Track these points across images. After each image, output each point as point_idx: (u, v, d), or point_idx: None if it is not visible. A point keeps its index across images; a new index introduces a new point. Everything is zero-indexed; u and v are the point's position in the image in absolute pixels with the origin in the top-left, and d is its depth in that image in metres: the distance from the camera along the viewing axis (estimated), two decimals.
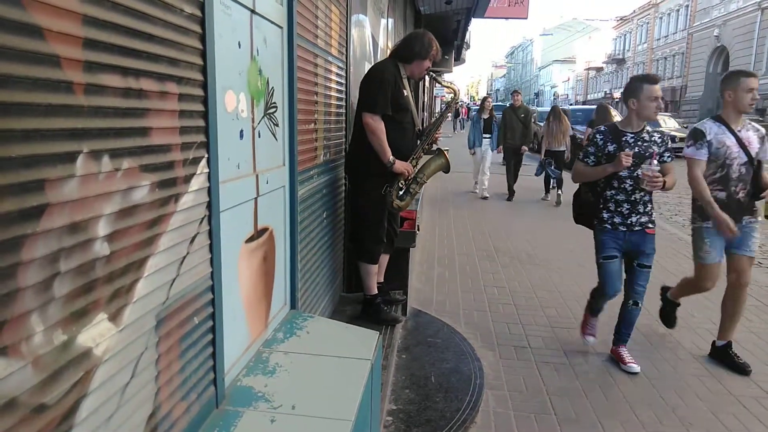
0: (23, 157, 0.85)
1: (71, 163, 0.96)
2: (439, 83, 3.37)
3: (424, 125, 3.49)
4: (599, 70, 56.78)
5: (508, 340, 3.57)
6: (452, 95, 3.59)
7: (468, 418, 2.61)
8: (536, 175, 8.83)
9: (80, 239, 0.99)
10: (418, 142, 3.20)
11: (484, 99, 9.53)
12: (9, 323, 0.84)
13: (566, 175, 6.93)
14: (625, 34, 49.58)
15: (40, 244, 0.89)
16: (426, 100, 16.85)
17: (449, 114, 3.57)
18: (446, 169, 3.23)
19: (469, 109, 36.55)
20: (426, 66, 3.09)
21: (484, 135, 8.91)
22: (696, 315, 4.00)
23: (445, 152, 3.23)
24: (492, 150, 8.93)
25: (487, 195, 8.95)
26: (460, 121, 33.05)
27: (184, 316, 1.39)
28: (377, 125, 2.88)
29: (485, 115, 8.97)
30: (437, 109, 38.04)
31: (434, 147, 3.43)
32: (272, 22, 2.05)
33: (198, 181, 1.43)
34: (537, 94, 75.28)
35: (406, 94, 3.02)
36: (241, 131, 1.79)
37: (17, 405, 0.86)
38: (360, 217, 3.20)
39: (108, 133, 1.05)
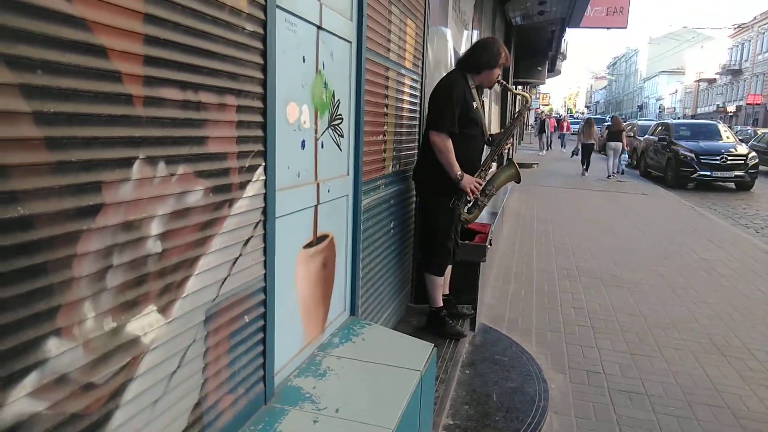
0: (82, 161, 0.96)
1: (127, 168, 1.06)
2: (510, 90, 3.30)
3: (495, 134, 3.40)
4: (711, 81, 52.70)
5: (580, 364, 3.40)
6: (523, 102, 3.47)
7: None
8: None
9: (133, 236, 1.09)
10: (487, 151, 3.14)
11: None
12: (63, 308, 0.95)
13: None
14: (743, 43, 45.74)
15: (94, 239, 1.00)
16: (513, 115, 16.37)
17: (519, 122, 3.46)
18: (517, 179, 3.17)
19: (558, 121, 26.78)
20: (496, 74, 3.04)
21: None
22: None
23: (515, 162, 3.16)
24: None
25: None
26: (559, 138, 25.36)
27: (234, 313, 1.47)
28: (444, 143, 2.87)
29: None
30: (531, 121, 36.26)
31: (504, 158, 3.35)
32: (340, 37, 2.12)
33: (254, 188, 1.51)
34: (641, 107, 71.33)
35: (476, 106, 2.99)
36: (303, 141, 1.87)
37: (68, 381, 0.97)
38: (429, 230, 3.20)
39: (165, 141, 1.16)
